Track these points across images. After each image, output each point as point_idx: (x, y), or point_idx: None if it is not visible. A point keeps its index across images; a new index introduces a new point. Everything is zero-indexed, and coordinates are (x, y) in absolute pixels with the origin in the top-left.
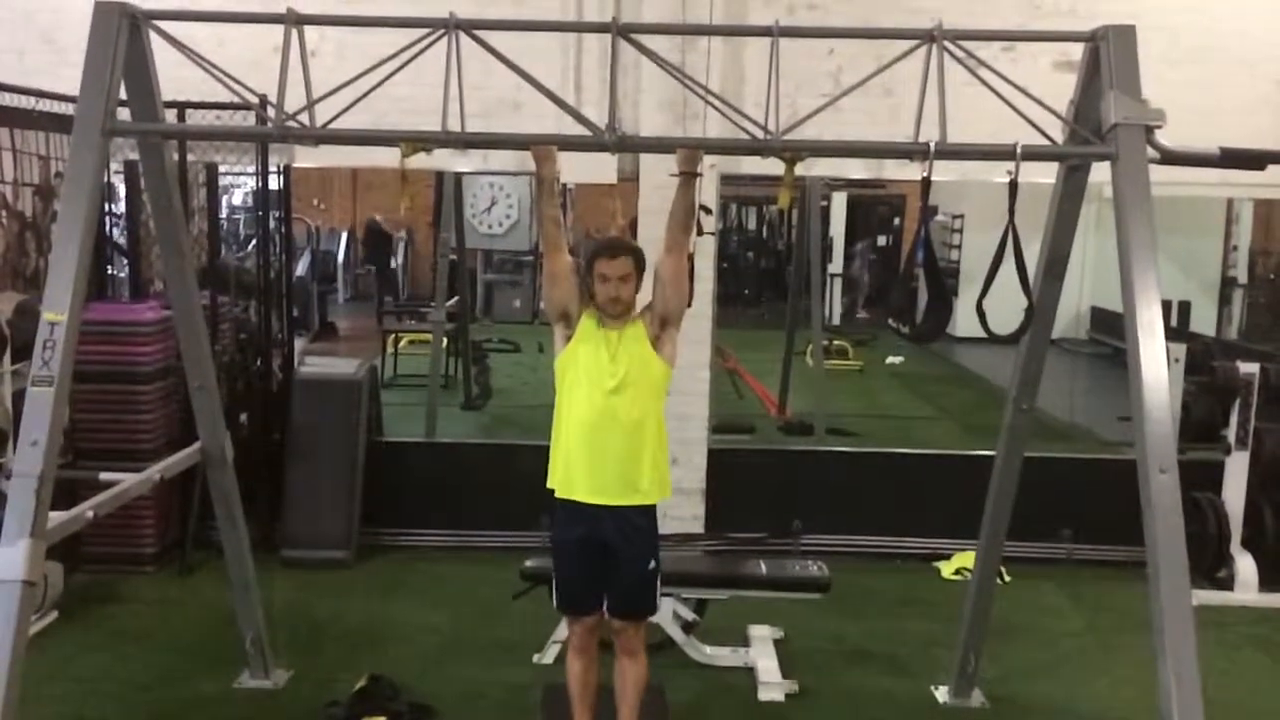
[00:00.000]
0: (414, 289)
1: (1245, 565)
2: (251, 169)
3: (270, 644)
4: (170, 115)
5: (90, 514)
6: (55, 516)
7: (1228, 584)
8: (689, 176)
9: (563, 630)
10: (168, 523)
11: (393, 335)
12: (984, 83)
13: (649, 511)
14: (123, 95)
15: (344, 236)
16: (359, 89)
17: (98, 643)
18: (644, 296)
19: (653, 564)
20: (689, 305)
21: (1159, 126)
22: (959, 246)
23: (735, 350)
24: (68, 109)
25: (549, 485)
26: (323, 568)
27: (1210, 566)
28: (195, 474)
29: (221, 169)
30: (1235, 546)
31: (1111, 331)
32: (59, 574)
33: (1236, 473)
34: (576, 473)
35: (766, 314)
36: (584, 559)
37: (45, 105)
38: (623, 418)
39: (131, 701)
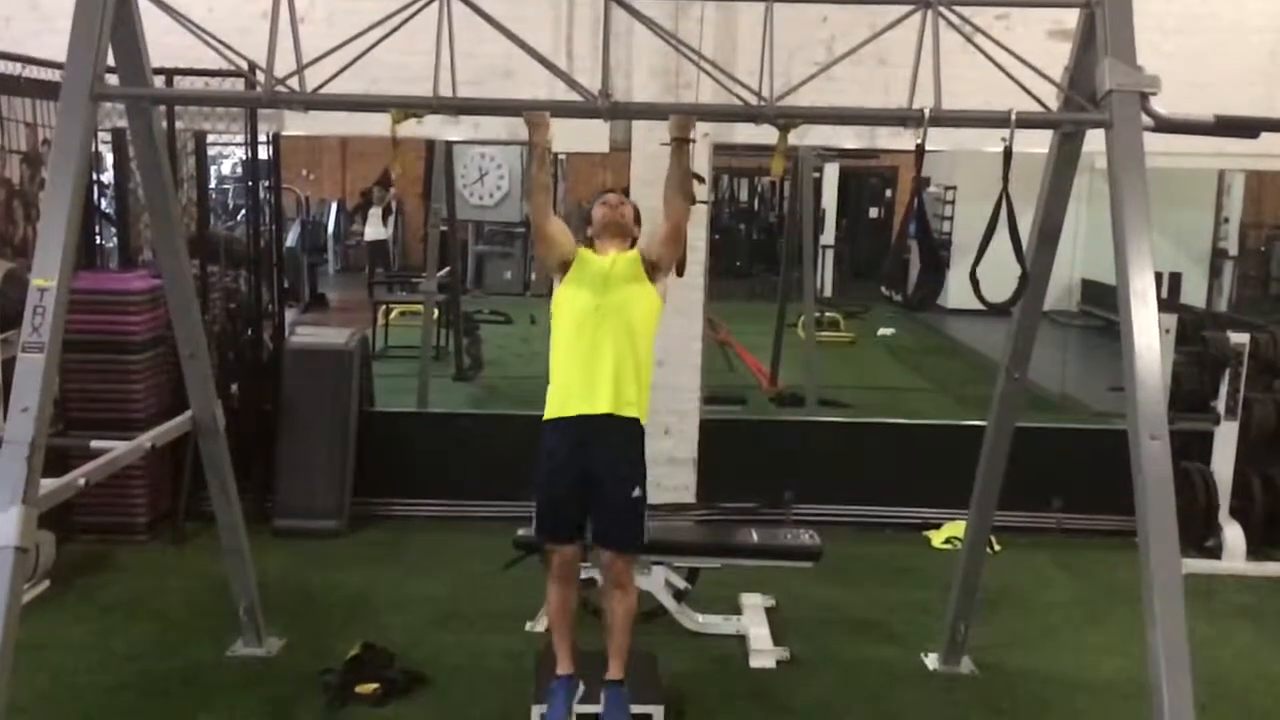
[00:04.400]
0: (404, 260)
1: (1233, 534)
2: (240, 138)
3: (263, 613)
4: (158, 82)
5: (82, 481)
6: (47, 484)
7: (1216, 553)
8: (681, 143)
9: None
10: (160, 493)
11: (384, 306)
12: (979, 49)
13: (635, 434)
14: (110, 62)
15: (334, 207)
16: (349, 54)
17: (90, 612)
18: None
19: (637, 491)
20: (680, 274)
21: (1153, 93)
22: (951, 218)
23: (727, 322)
24: (55, 75)
25: (544, 419)
26: (315, 537)
27: (1199, 535)
28: (187, 444)
29: (210, 138)
30: (1224, 516)
31: (1102, 303)
32: (51, 543)
33: (1225, 442)
34: (568, 390)
35: (758, 286)
36: (567, 482)
37: (32, 71)
38: (612, 325)
39: (124, 670)
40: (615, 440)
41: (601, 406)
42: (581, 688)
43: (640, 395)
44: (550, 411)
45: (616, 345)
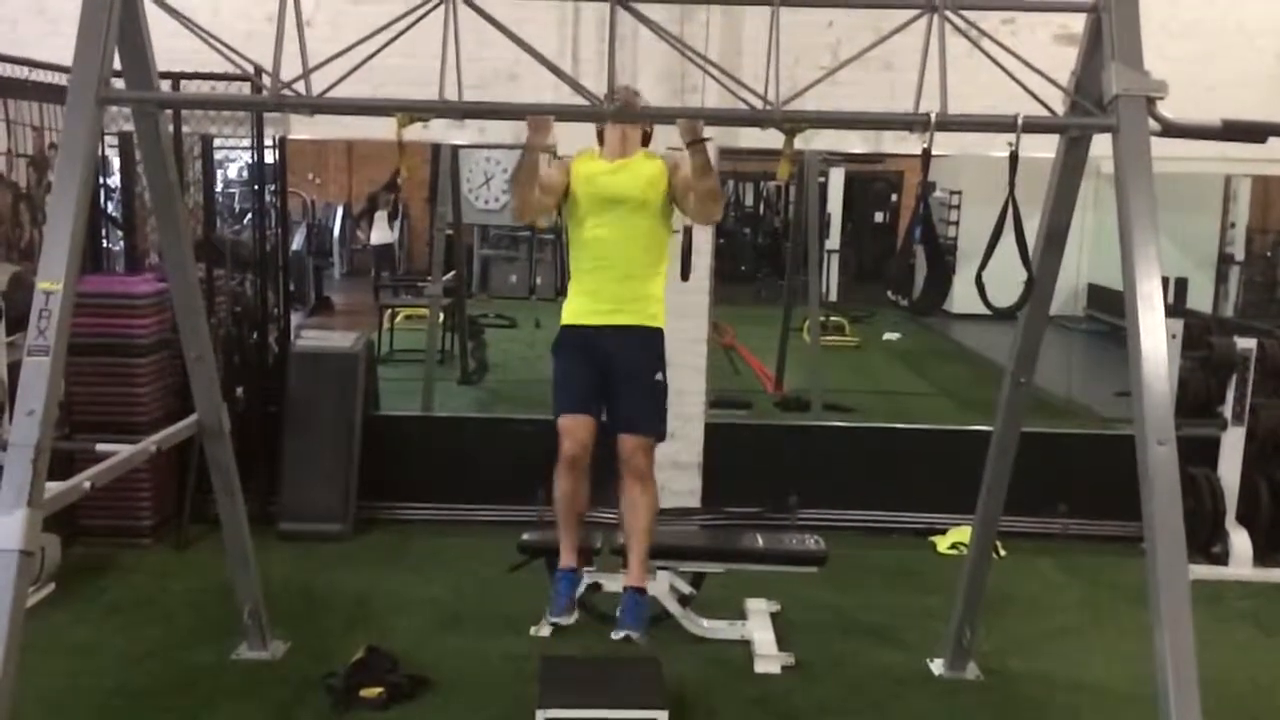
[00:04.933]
0: (410, 264)
1: (1240, 540)
2: (246, 141)
3: (268, 616)
4: (164, 86)
5: (87, 485)
6: (52, 487)
7: (1222, 559)
8: (696, 145)
9: None
10: (165, 496)
11: (389, 310)
12: (986, 54)
13: (655, 336)
14: (117, 66)
15: (339, 211)
16: (354, 58)
17: (95, 615)
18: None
19: (659, 376)
20: (685, 278)
21: (1160, 98)
22: (957, 223)
23: (732, 326)
24: (61, 79)
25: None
26: (320, 540)
27: (1205, 541)
28: (192, 447)
29: (216, 142)
30: (1230, 522)
31: (1109, 308)
32: (56, 546)
33: (1232, 448)
34: (584, 299)
35: (764, 290)
36: (585, 362)
37: (39, 75)
38: (629, 230)
39: (128, 673)
40: (633, 338)
41: (618, 320)
42: (585, 580)
43: (658, 302)
44: (565, 316)
45: (634, 251)
